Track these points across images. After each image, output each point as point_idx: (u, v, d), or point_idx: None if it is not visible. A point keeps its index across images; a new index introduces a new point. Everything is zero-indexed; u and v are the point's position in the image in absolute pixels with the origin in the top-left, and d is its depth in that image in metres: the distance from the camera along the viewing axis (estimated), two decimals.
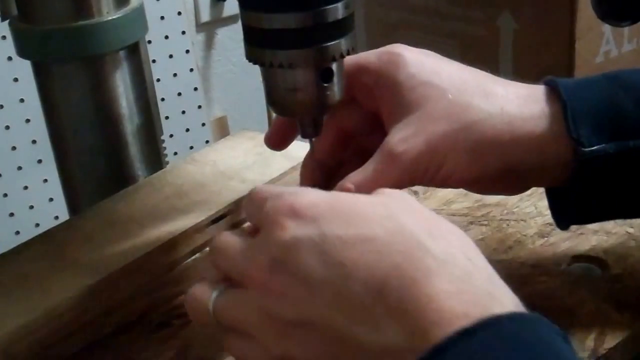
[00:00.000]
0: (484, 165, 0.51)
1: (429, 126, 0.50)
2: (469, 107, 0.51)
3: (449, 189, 0.68)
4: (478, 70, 0.54)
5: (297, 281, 0.40)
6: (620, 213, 0.56)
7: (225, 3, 1.85)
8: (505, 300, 0.38)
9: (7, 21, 0.71)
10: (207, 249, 0.61)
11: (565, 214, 0.55)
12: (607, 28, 1.32)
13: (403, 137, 0.50)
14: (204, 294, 0.44)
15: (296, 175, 0.60)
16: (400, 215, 0.41)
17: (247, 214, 0.46)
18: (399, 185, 0.50)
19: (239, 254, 0.43)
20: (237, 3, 0.52)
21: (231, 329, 0.43)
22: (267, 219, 0.42)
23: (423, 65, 0.53)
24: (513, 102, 0.52)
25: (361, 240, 0.40)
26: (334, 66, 0.51)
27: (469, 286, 0.38)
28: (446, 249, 0.39)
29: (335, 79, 0.52)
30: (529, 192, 0.60)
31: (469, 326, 0.35)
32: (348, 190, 0.50)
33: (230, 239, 0.44)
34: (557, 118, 0.51)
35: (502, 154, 0.51)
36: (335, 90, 0.52)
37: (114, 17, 0.68)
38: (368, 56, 0.54)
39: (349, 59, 0.53)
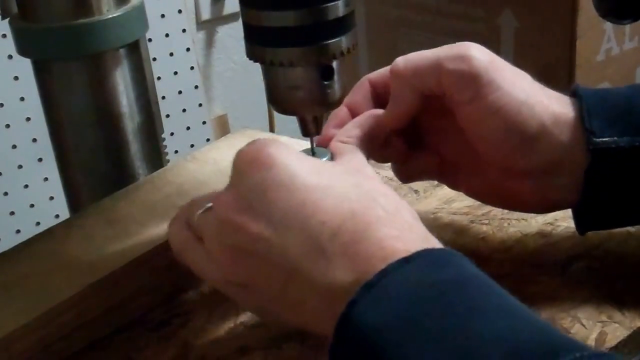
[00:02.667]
0: (524, 126, 0.52)
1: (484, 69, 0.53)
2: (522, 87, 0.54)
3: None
4: None
5: (257, 217, 0.46)
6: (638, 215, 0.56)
7: (226, 1, 1.85)
8: (437, 245, 0.44)
9: (7, 19, 0.70)
10: None
11: (584, 215, 0.56)
12: (608, 26, 1.32)
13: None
14: (194, 207, 0.51)
15: None
16: (358, 176, 0.48)
17: None
18: (436, 84, 0.54)
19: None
20: (237, 1, 0.52)
21: (201, 240, 0.50)
22: (238, 161, 0.49)
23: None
24: (551, 92, 0.54)
25: (323, 187, 0.46)
26: (335, 64, 0.51)
27: (409, 233, 0.44)
28: (395, 205, 0.46)
29: (336, 76, 0.52)
30: None
31: (407, 255, 0.42)
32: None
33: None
34: (577, 117, 0.53)
35: (525, 140, 0.53)
36: (336, 88, 0.52)
37: (114, 15, 0.68)
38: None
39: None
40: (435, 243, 0.45)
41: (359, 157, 0.51)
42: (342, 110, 0.57)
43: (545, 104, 0.53)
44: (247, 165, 0.48)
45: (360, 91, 0.57)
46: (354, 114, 0.57)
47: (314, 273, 0.44)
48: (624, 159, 0.52)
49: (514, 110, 0.52)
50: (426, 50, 0.55)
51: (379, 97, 0.57)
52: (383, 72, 0.58)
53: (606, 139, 0.52)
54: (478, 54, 0.53)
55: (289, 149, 0.48)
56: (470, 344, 0.37)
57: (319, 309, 0.44)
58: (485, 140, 0.54)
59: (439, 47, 0.55)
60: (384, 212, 0.45)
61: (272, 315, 0.50)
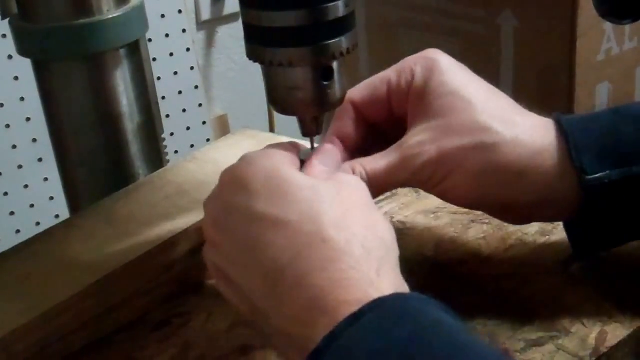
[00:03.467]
0: (487, 191, 0.52)
1: (445, 137, 0.52)
2: (487, 129, 0.52)
3: None
4: (502, 94, 0.55)
5: (226, 239, 0.46)
6: (636, 237, 0.56)
7: (226, 1, 1.85)
8: (384, 287, 0.41)
9: (7, 20, 0.70)
10: None
11: (582, 245, 0.56)
12: (608, 26, 1.32)
13: (419, 141, 0.52)
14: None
15: None
16: (322, 204, 0.45)
17: None
18: (403, 183, 0.54)
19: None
20: (237, 1, 0.51)
21: None
22: (220, 179, 0.49)
23: (455, 74, 0.54)
24: (527, 133, 0.52)
25: (277, 222, 0.44)
26: (335, 64, 0.51)
27: (355, 274, 0.42)
28: (346, 239, 0.43)
29: (335, 77, 0.52)
30: None
31: (356, 310, 0.39)
32: (354, 171, 0.53)
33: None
34: (563, 151, 0.52)
35: (507, 183, 0.52)
36: (336, 88, 0.52)
37: (114, 15, 0.68)
38: (408, 60, 0.56)
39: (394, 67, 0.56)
40: (381, 283, 0.42)
41: (352, 178, 0.50)
42: (332, 143, 0.55)
43: (529, 165, 0.52)
44: (225, 182, 0.49)
45: (346, 117, 0.56)
46: (345, 142, 0.56)
47: (268, 313, 0.44)
48: (617, 191, 0.51)
49: (486, 178, 0.52)
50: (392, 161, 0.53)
51: (366, 118, 0.57)
52: (364, 89, 0.57)
53: (598, 175, 0.51)
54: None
55: (273, 168, 0.47)
56: None
57: (281, 346, 0.44)
58: (459, 194, 0.54)
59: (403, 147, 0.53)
60: (331, 251, 0.43)
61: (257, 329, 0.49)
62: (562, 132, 0.52)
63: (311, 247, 0.43)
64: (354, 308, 0.39)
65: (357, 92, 0.57)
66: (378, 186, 0.53)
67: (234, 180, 0.48)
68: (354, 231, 0.44)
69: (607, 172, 0.51)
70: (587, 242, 0.56)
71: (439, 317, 0.40)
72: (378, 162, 0.53)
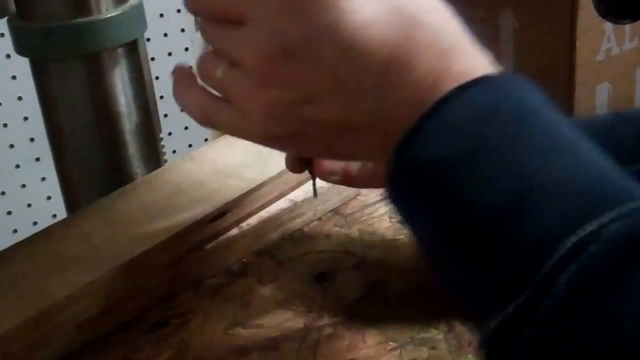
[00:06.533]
0: None
1: None
2: None
3: None
4: None
5: (304, 61, 0.42)
6: None
7: None
8: (485, 68, 0.42)
9: (5, 18, 0.70)
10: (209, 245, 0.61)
11: None
12: (608, 26, 1.31)
13: None
14: (208, 67, 0.51)
15: (295, 175, 0.59)
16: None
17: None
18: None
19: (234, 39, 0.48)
20: None
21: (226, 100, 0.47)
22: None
23: None
24: None
25: (367, 25, 0.41)
26: None
27: (455, 56, 0.43)
28: (440, 22, 0.44)
29: None
30: None
31: (467, 81, 0.40)
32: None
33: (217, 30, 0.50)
34: None
35: None
36: None
37: (112, 14, 0.68)
38: None
39: None
40: (484, 64, 0.43)
41: None
42: None
43: None
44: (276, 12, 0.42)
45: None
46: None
47: (371, 108, 0.42)
48: None
49: None
50: None
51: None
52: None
53: None
54: None
55: None
56: (531, 184, 0.37)
57: (373, 141, 0.43)
58: None
59: None
60: (430, 35, 0.43)
61: (325, 154, 0.48)
62: None
63: (410, 35, 0.42)
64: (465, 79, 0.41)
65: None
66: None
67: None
68: (443, 15, 0.46)
69: None
70: None
71: (542, 102, 0.43)
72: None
